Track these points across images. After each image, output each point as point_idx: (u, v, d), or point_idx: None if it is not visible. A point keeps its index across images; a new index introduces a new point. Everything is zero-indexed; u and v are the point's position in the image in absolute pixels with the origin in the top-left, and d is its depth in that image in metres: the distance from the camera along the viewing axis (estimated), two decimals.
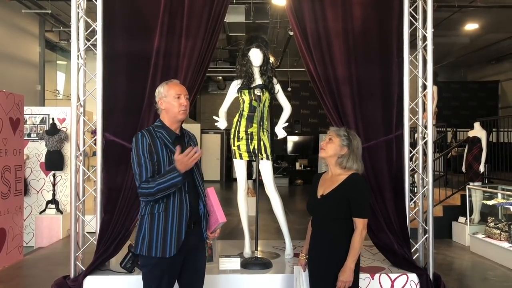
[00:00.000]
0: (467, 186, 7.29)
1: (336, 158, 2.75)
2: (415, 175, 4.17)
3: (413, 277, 3.62)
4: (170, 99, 2.67)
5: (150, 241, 2.55)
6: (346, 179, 2.70)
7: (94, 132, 3.91)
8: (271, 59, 4.32)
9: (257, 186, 3.95)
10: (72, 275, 3.63)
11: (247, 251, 4.13)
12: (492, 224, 6.52)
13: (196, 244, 2.71)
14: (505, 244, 6.05)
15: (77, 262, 3.67)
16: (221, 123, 4.18)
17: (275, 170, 13.74)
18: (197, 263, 2.75)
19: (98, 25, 3.68)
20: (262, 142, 4.00)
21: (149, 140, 2.59)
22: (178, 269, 2.65)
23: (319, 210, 2.77)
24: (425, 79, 3.88)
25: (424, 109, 3.94)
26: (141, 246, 2.57)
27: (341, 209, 2.66)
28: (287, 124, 4.22)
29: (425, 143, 3.90)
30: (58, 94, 12.28)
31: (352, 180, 2.69)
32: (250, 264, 3.73)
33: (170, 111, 2.68)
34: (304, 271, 2.94)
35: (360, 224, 2.63)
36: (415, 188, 4.61)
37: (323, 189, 2.76)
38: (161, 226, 2.56)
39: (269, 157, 4.07)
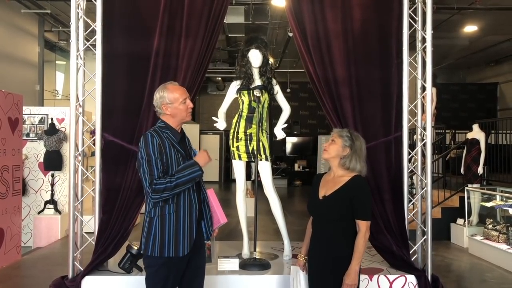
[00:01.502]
0: (466, 188, 7.29)
1: (338, 159, 2.76)
2: (414, 177, 4.17)
3: (412, 278, 3.62)
4: (176, 105, 2.68)
5: (162, 241, 2.56)
6: (349, 181, 2.70)
7: (93, 132, 3.91)
8: (271, 60, 4.33)
9: (256, 187, 3.95)
10: (70, 275, 3.63)
11: (245, 252, 4.12)
12: (490, 226, 6.53)
13: (200, 242, 2.75)
14: (503, 246, 6.05)
15: (75, 263, 3.67)
16: (220, 124, 4.18)
17: (274, 171, 13.77)
18: (199, 261, 2.78)
19: (98, 25, 3.68)
20: (261, 143, 4.00)
21: (158, 140, 2.59)
22: (183, 268, 2.67)
23: (320, 211, 2.77)
24: (424, 81, 3.88)
25: (423, 111, 3.94)
26: (152, 247, 2.57)
27: (343, 210, 2.66)
28: (286, 125, 4.22)
29: (424, 144, 3.90)
30: (57, 94, 12.27)
31: (355, 182, 2.69)
32: (249, 265, 3.73)
33: (178, 116, 2.70)
34: (303, 271, 2.94)
35: (363, 226, 2.63)
36: (414, 190, 4.60)
37: (325, 190, 2.76)
38: (173, 227, 2.57)
39: (268, 158, 4.07)
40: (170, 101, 2.67)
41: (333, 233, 2.69)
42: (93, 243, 3.66)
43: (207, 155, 2.68)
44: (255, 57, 4.05)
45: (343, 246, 2.65)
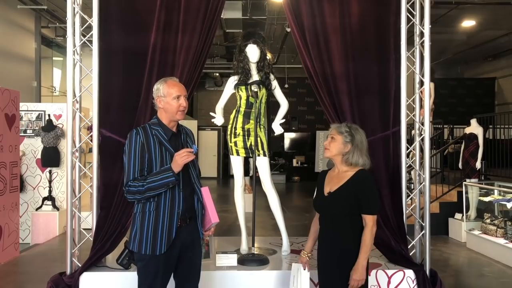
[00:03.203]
0: (464, 182, 7.31)
1: (341, 156, 2.74)
2: (412, 172, 4.17)
3: (410, 273, 3.62)
4: (169, 99, 2.65)
5: (140, 238, 2.57)
6: (354, 175, 2.68)
7: (90, 128, 3.89)
8: (268, 56, 4.31)
9: (254, 183, 3.94)
10: (68, 272, 3.63)
11: (244, 248, 4.13)
12: (488, 221, 6.55)
13: (192, 239, 2.72)
14: (501, 241, 6.07)
15: (73, 259, 3.66)
16: (218, 120, 4.16)
17: (272, 167, 13.77)
18: (193, 258, 2.76)
19: (94, 21, 3.66)
20: (259, 139, 3.99)
21: (142, 138, 2.59)
22: (172, 264, 2.66)
23: (326, 207, 2.76)
24: (422, 76, 3.87)
25: (421, 106, 3.94)
26: (133, 243, 2.60)
27: (348, 205, 2.64)
28: (284, 120, 4.21)
29: (422, 139, 3.90)
30: (54, 90, 12.25)
31: (360, 177, 2.67)
32: (247, 261, 3.73)
33: (169, 111, 2.67)
34: (304, 269, 2.92)
35: (370, 220, 2.62)
36: (412, 185, 4.61)
37: (330, 186, 2.74)
38: (152, 224, 2.57)
39: (266, 153, 4.06)
40: (164, 94, 2.66)
41: (340, 229, 2.68)
42: (91, 239, 3.66)
43: (183, 156, 2.52)
44: (252, 52, 4.03)
45: (350, 242, 2.64)
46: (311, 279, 3.04)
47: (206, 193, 2.81)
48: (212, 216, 2.76)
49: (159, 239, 2.56)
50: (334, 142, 2.74)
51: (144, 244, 2.56)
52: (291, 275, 3.04)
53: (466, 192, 7.18)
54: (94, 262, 3.57)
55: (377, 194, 2.76)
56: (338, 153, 2.74)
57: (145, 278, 2.61)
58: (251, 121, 4.03)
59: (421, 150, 3.93)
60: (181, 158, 2.52)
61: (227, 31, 11.34)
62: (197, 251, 2.79)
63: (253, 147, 3.96)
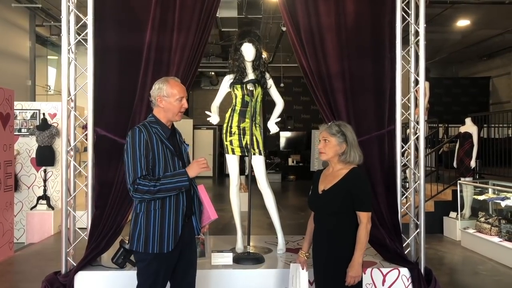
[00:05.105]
0: (459, 181, 7.34)
1: (337, 157, 2.76)
2: (407, 170, 4.18)
3: (405, 271, 3.64)
4: (171, 100, 2.66)
5: (146, 237, 2.55)
6: (347, 173, 2.71)
7: (85, 127, 3.88)
8: (264, 54, 4.31)
9: (250, 182, 3.94)
10: (63, 271, 3.61)
11: (239, 246, 4.13)
12: (482, 219, 6.58)
13: (191, 237, 2.74)
14: (495, 239, 6.10)
15: (68, 258, 3.65)
16: (214, 118, 4.16)
17: (268, 166, 13.72)
18: (190, 255, 2.77)
19: (89, 19, 3.64)
20: (254, 137, 3.99)
21: (146, 136, 2.57)
22: (174, 263, 2.67)
23: (320, 206, 2.77)
24: (417, 75, 3.88)
25: (416, 105, 3.95)
26: (137, 243, 2.56)
27: (341, 203, 2.66)
28: (279, 119, 4.21)
29: (417, 138, 3.91)
30: (49, 89, 12.19)
31: (353, 175, 2.70)
32: (243, 259, 3.73)
33: (169, 112, 2.68)
34: (303, 269, 2.92)
35: (364, 217, 2.64)
36: (407, 183, 4.62)
37: (324, 185, 2.77)
38: (158, 223, 2.55)
39: (262, 152, 4.06)
40: (167, 94, 2.65)
41: (334, 227, 2.69)
42: (86, 238, 3.65)
43: (201, 165, 2.61)
44: (248, 50, 4.03)
45: (345, 239, 2.65)
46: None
47: (202, 191, 2.82)
48: (211, 212, 2.78)
49: (166, 237, 2.55)
50: (329, 144, 2.75)
51: (151, 243, 2.54)
52: (290, 275, 3.04)
53: (461, 191, 7.21)
54: (89, 261, 3.56)
55: (370, 191, 2.78)
56: (334, 155, 2.76)
57: (146, 278, 2.60)
58: (247, 120, 4.03)
59: (416, 149, 3.95)
60: (199, 166, 2.60)
61: (222, 30, 11.33)
62: (194, 248, 2.82)
63: (248, 146, 3.96)
